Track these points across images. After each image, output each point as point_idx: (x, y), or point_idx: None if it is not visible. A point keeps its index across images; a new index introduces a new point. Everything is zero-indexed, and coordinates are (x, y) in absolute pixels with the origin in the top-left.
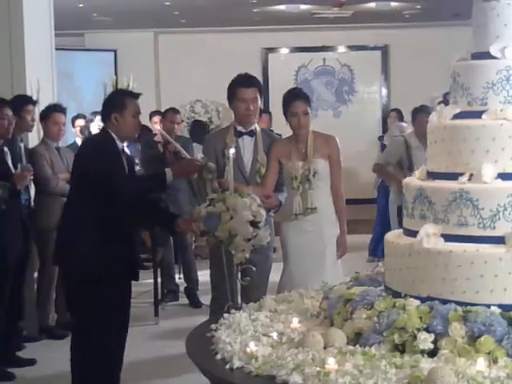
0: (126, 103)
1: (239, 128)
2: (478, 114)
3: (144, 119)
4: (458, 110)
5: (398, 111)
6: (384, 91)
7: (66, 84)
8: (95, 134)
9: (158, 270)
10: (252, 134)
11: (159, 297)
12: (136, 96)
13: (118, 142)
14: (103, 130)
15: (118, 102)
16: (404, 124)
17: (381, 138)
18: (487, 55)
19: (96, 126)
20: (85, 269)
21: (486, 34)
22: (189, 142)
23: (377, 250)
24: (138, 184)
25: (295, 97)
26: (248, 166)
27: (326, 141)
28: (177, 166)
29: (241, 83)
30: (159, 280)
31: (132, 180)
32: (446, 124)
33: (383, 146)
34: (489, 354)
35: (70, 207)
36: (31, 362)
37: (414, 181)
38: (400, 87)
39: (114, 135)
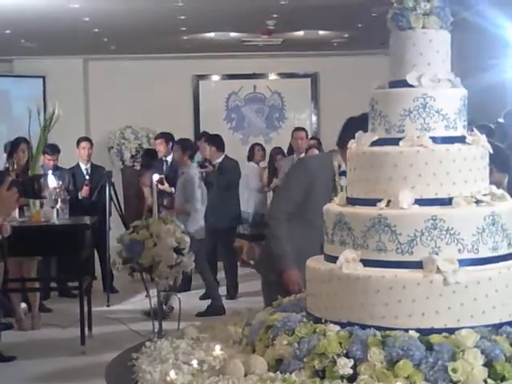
0: None
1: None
2: (395, 141)
3: (72, 145)
4: (376, 137)
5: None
6: (314, 118)
7: None
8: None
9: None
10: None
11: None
12: None
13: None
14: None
15: None
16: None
17: None
18: (404, 83)
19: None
20: None
21: (403, 62)
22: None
23: None
24: None
25: None
26: None
27: None
28: None
29: None
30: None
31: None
32: (365, 151)
33: None
34: (407, 378)
35: None
36: None
37: (333, 207)
38: (329, 114)
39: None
